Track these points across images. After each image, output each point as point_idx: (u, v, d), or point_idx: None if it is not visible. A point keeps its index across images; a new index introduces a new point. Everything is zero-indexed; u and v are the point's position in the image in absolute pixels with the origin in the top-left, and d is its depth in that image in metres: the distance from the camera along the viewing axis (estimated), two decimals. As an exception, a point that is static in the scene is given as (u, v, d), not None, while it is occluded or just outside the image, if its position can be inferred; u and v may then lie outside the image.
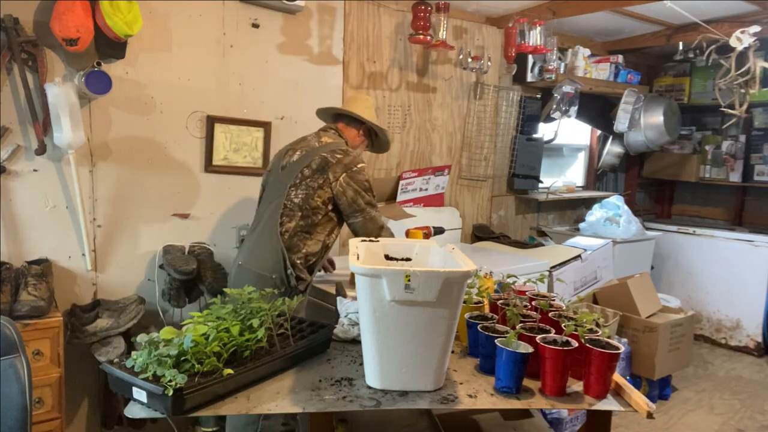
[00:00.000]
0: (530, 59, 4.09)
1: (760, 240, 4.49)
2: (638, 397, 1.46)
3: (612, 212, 4.47)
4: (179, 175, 2.81)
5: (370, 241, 1.84)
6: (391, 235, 2.37)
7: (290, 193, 2.29)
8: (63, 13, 2.24)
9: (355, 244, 1.75)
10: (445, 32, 3.41)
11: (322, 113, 2.62)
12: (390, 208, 3.57)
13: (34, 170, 2.44)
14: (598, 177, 5.36)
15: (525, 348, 1.51)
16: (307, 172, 2.29)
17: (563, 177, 5.14)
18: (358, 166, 2.33)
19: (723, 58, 3.76)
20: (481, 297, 1.96)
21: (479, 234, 4.16)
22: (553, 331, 1.62)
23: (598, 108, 4.88)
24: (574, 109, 4.23)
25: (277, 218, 2.28)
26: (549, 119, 4.36)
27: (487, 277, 2.16)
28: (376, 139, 2.61)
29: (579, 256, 3.68)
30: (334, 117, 2.57)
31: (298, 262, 2.28)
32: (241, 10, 2.90)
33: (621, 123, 4.66)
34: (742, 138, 5.05)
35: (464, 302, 1.75)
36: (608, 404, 1.49)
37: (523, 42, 3.74)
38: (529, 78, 4.14)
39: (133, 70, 2.62)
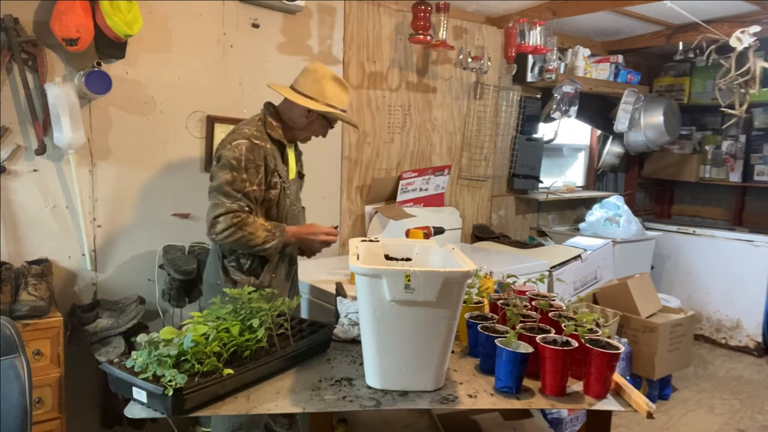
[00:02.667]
0: (530, 59, 4.09)
1: (760, 240, 4.49)
2: (638, 397, 1.46)
3: (612, 212, 4.47)
4: (179, 175, 2.81)
5: (370, 240, 1.84)
6: (237, 230, 1.99)
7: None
8: (63, 13, 2.24)
9: (355, 244, 1.75)
10: (445, 32, 3.41)
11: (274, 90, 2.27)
12: (390, 208, 3.57)
13: (34, 170, 2.44)
14: (598, 177, 5.36)
15: (525, 348, 1.51)
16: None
17: (563, 177, 5.14)
18: (234, 143, 2.05)
19: (723, 58, 3.76)
20: (481, 297, 1.96)
21: (479, 234, 4.16)
22: (553, 331, 1.63)
23: (598, 108, 4.88)
24: (574, 109, 4.23)
25: None
26: (549, 119, 4.36)
27: (487, 277, 2.16)
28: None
29: (579, 256, 3.68)
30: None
31: (230, 266, 2.16)
32: (241, 10, 2.90)
33: (621, 123, 4.66)
34: (742, 138, 5.05)
35: (464, 302, 1.75)
36: (608, 404, 1.49)
37: (523, 42, 3.74)
38: (529, 78, 4.14)
39: (133, 70, 2.62)
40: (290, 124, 2.24)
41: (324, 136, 2.35)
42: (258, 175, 2.08)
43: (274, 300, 1.68)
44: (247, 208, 2.04)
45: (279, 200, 2.19)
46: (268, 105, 2.26)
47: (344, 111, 2.26)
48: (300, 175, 2.40)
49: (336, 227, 2.35)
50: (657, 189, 5.83)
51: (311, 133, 2.30)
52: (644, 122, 4.77)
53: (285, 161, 2.24)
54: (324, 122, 2.26)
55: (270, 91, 2.25)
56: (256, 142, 2.08)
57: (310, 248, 2.31)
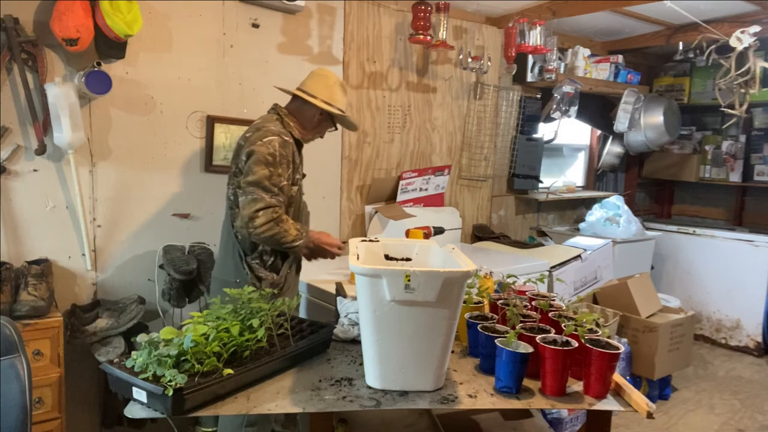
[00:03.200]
0: (530, 59, 4.09)
1: (760, 240, 4.49)
2: (638, 397, 1.46)
3: (612, 212, 4.47)
4: (179, 175, 2.81)
5: (370, 240, 1.84)
6: (275, 225, 2.06)
7: (228, 190, 2.25)
8: (63, 13, 2.24)
9: (355, 244, 1.75)
10: (445, 32, 3.41)
11: (284, 91, 2.40)
12: (390, 208, 3.57)
13: (34, 170, 2.44)
14: (598, 177, 5.36)
15: (525, 348, 1.51)
16: (231, 163, 2.23)
17: (563, 177, 5.14)
18: (265, 139, 2.11)
19: (723, 58, 3.76)
20: (481, 297, 1.96)
21: (479, 234, 4.16)
22: (553, 331, 1.62)
23: (598, 108, 4.88)
24: (574, 109, 4.23)
25: (228, 220, 2.25)
26: (549, 119, 4.36)
27: (487, 277, 2.16)
28: (340, 118, 2.39)
29: (579, 256, 3.68)
30: (294, 96, 2.35)
31: (254, 263, 2.20)
32: (241, 10, 2.90)
33: (621, 123, 4.66)
34: (742, 138, 5.05)
35: (464, 302, 1.75)
36: (608, 404, 1.49)
37: (523, 42, 3.74)
38: (529, 78, 4.14)
39: (133, 70, 2.62)
40: (303, 124, 2.32)
41: (322, 137, 2.47)
42: (288, 170, 2.17)
43: (274, 300, 1.68)
44: (281, 204, 2.11)
45: (298, 197, 2.28)
46: (278, 107, 2.32)
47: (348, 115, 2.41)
48: (302, 174, 2.43)
49: (345, 242, 2.37)
50: (657, 189, 5.83)
51: (316, 135, 2.41)
52: (644, 122, 4.77)
53: (302, 160, 2.34)
54: (328, 124, 2.38)
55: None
56: (285, 138, 2.17)
57: (321, 255, 2.36)
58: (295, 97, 2.34)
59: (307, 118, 2.31)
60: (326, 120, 2.35)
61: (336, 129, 2.45)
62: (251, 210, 2.04)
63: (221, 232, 2.38)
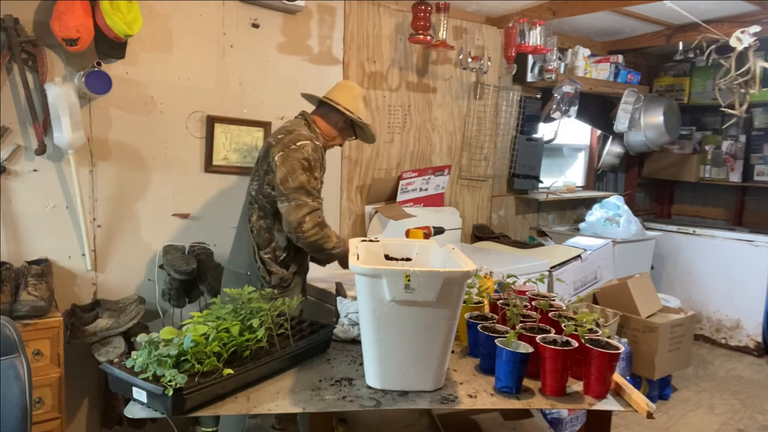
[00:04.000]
0: (530, 59, 4.09)
1: (760, 240, 4.49)
2: (638, 397, 1.46)
3: (612, 212, 4.47)
4: (179, 175, 2.81)
5: (370, 240, 1.84)
6: (320, 230, 2.16)
7: (250, 186, 2.31)
8: (63, 13, 2.24)
9: (355, 244, 1.75)
10: (445, 32, 3.41)
11: (308, 98, 2.53)
12: (390, 208, 3.57)
13: (34, 170, 2.44)
14: (598, 177, 5.36)
15: (525, 348, 1.51)
16: (259, 162, 2.29)
17: (563, 177, 5.14)
18: (298, 143, 2.16)
19: (723, 58, 3.76)
20: (481, 297, 1.96)
21: (479, 234, 4.16)
22: (553, 331, 1.63)
23: (598, 108, 4.88)
24: (574, 109, 4.23)
25: (246, 215, 2.32)
26: (549, 119, 4.36)
27: (487, 277, 2.16)
28: (360, 129, 2.50)
29: (579, 256, 3.68)
30: (319, 103, 2.45)
31: (267, 257, 2.25)
32: (241, 10, 2.90)
33: (621, 123, 4.66)
34: (742, 138, 5.05)
35: (464, 302, 1.75)
36: (608, 404, 1.49)
37: (523, 42, 3.74)
38: (529, 78, 4.14)
39: (133, 70, 2.62)
40: (325, 131, 2.40)
41: (341, 146, 2.64)
42: (321, 173, 2.27)
43: (275, 299, 1.68)
44: (322, 207, 2.21)
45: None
46: (305, 113, 2.41)
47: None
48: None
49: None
50: (657, 189, 5.83)
51: (337, 142, 2.49)
52: (644, 122, 4.77)
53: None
54: (349, 133, 2.49)
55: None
56: (316, 143, 2.25)
57: (342, 266, 2.43)
58: (320, 104, 2.44)
59: (331, 125, 2.40)
60: (348, 128, 2.45)
61: (355, 138, 2.55)
62: (299, 215, 2.12)
63: (237, 225, 2.42)
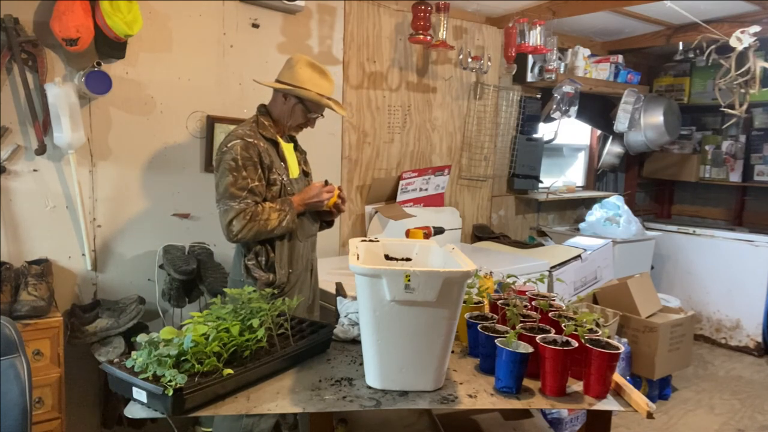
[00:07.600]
0: (530, 59, 4.09)
1: (760, 240, 4.49)
2: (638, 397, 1.46)
3: (612, 212, 4.47)
4: (179, 175, 2.81)
5: (370, 240, 1.84)
6: (252, 224, 2.06)
7: None
8: (63, 13, 2.24)
9: (355, 244, 1.75)
10: (445, 32, 3.41)
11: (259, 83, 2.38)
12: (390, 208, 3.57)
13: (34, 170, 2.44)
14: (598, 177, 5.36)
15: (525, 348, 1.51)
16: None
17: (563, 177, 5.14)
18: (229, 144, 2.08)
19: (723, 58, 3.76)
20: (481, 297, 1.96)
21: (479, 234, 4.16)
22: (553, 331, 1.62)
23: (598, 108, 4.88)
24: (574, 109, 4.23)
25: None
26: (549, 119, 4.36)
27: (487, 277, 2.16)
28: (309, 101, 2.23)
29: (579, 256, 3.68)
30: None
31: (250, 263, 2.19)
32: (241, 10, 2.90)
33: (621, 123, 4.66)
34: (742, 138, 5.05)
35: (464, 302, 1.75)
36: (608, 404, 1.49)
37: (523, 42, 3.74)
38: (529, 78, 4.14)
39: (133, 70, 2.62)
40: (277, 118, 2.27)
41: (312, 125, 2.34)
42: (257, 171, 2.13)
43: (274, 299, 1.68)
44: (253, 203, 2.10)
45: (282, 197, 2.22)
46: (260, 106, 2.30)
47: (323, 96, 2.23)
48: (305, 173, 2.42)
49: (326, 181, 2.31)
50: (657, 189, 5.83)
51: (296, 122, 2.28)
52: (644, 122, 4.77)
53: (282, 159, 2.26)
54: (303, 107, 2.23)
55: (270, 93, 2.26)
56: (249, 140, 2.12)
57: (319, 207, 2.29)
58: (275, 92, 2.27)
59: (276, 106, 2.25)
60: (298, 104, 2.22)
61: (322, 116, 2.32)
62: (225, 221, 2.09)
63: None
